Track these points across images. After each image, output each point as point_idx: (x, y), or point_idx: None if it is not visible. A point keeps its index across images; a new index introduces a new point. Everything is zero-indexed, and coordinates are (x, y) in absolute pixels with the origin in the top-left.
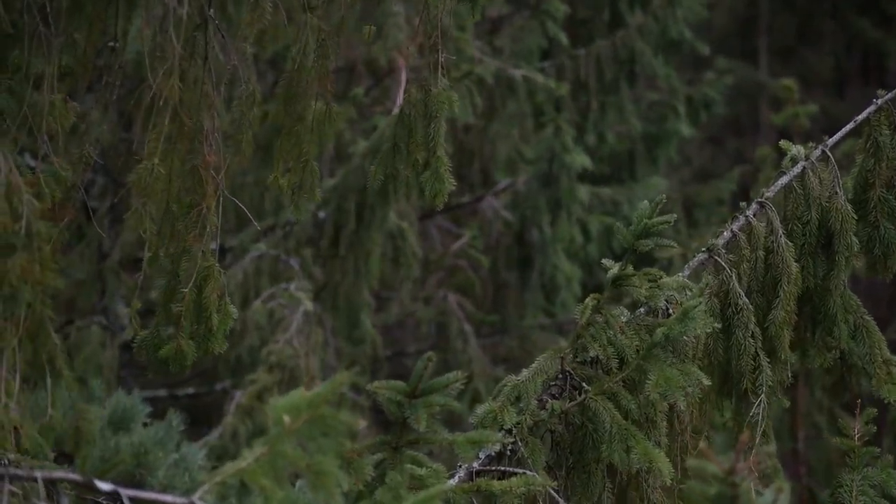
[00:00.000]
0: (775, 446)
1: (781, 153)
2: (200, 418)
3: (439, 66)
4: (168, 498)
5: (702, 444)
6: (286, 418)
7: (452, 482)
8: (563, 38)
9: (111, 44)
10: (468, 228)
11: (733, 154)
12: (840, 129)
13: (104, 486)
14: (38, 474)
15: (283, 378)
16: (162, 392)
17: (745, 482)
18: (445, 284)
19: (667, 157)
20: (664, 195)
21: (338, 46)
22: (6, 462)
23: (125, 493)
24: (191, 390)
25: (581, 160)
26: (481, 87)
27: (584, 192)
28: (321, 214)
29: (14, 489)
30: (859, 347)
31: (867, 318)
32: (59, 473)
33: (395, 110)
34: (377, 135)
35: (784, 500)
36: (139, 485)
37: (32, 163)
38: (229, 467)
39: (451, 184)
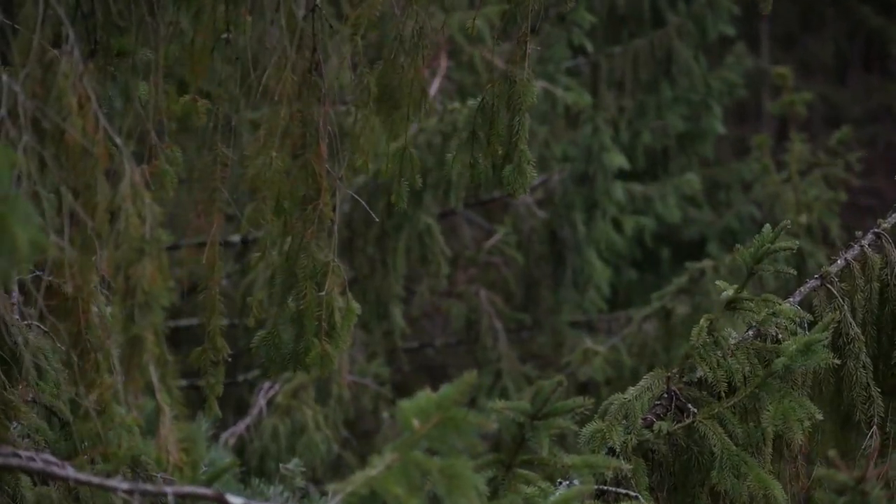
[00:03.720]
0: None
1: (780, 141)
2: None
3: (526, 57)
4: None
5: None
6: (415, 422)
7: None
8: (590, 46)
9: (224, 35)
10: (501, 225)
11: (735, 141)
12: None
13: (236, 499)
14: (168, 489)
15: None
16: (182, 382)
17: (877, 490)
18: (477, 280)
19: (702, 155)
20: (789, 220)
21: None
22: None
23: None
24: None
25: (618, 160)
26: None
27: (619, 191)
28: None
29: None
30: None
31: None
32: (188, 488)
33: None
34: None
35: None
36: None
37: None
38: (359, 477)
39: (532, 177)
